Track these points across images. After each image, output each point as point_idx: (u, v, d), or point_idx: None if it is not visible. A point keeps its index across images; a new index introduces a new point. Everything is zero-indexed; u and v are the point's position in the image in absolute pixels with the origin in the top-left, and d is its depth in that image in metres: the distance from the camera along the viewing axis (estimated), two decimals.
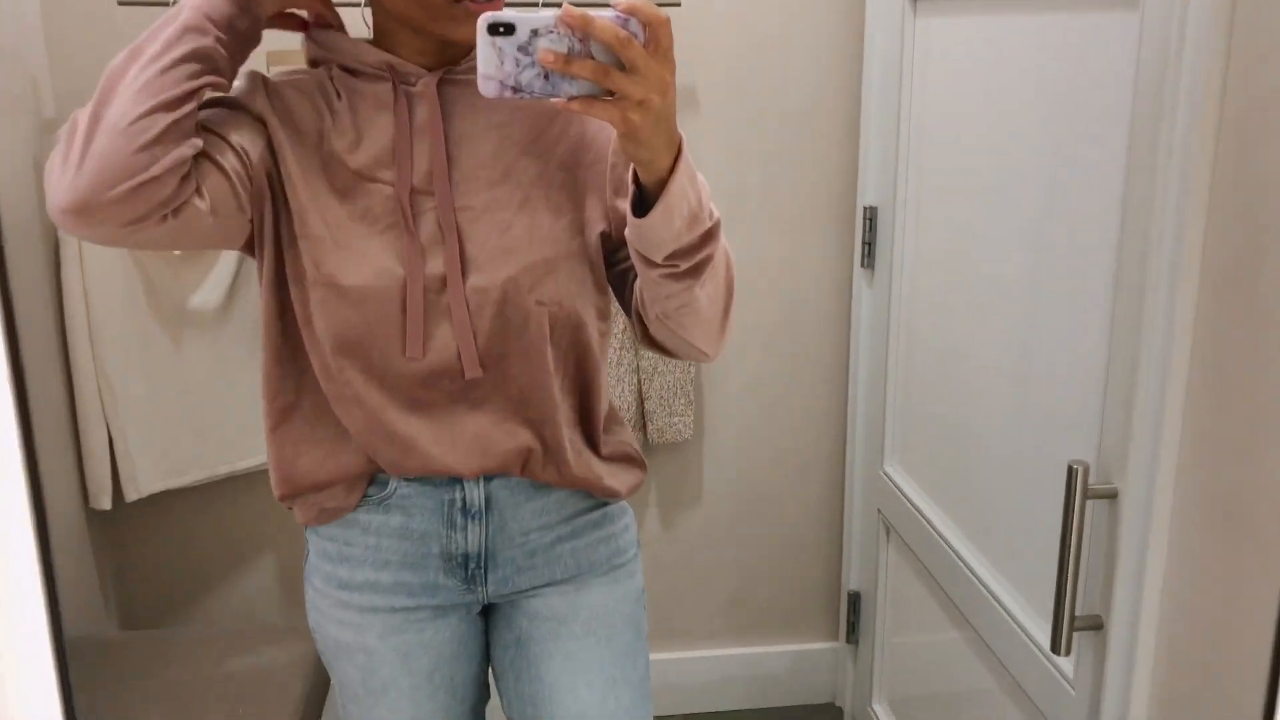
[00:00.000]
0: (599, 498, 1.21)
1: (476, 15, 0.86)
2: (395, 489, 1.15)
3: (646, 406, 2.12)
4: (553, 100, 0.84)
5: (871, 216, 2.02)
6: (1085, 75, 1.30)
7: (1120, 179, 1.21)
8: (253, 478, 2.10)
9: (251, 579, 2.19)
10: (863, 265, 2.08)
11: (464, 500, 1.14)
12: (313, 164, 1.05)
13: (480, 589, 1.18)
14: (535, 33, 0.83)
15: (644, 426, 2.14)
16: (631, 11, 0.83)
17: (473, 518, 1.15)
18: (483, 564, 1.16)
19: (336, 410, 1.11)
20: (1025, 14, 1.44)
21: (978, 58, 1.59)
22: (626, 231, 0.97)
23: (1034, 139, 1.43)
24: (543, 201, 1.07)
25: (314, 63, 1.11)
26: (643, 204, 0.94)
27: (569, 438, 1.14)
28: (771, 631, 2.39)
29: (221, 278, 1.91)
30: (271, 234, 1.05)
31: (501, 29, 0.83)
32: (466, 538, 1.15)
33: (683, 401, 2.12)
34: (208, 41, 0.95)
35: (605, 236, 1.10)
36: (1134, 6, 1.17)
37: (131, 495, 1.96)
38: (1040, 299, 1.42)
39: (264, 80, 1.08)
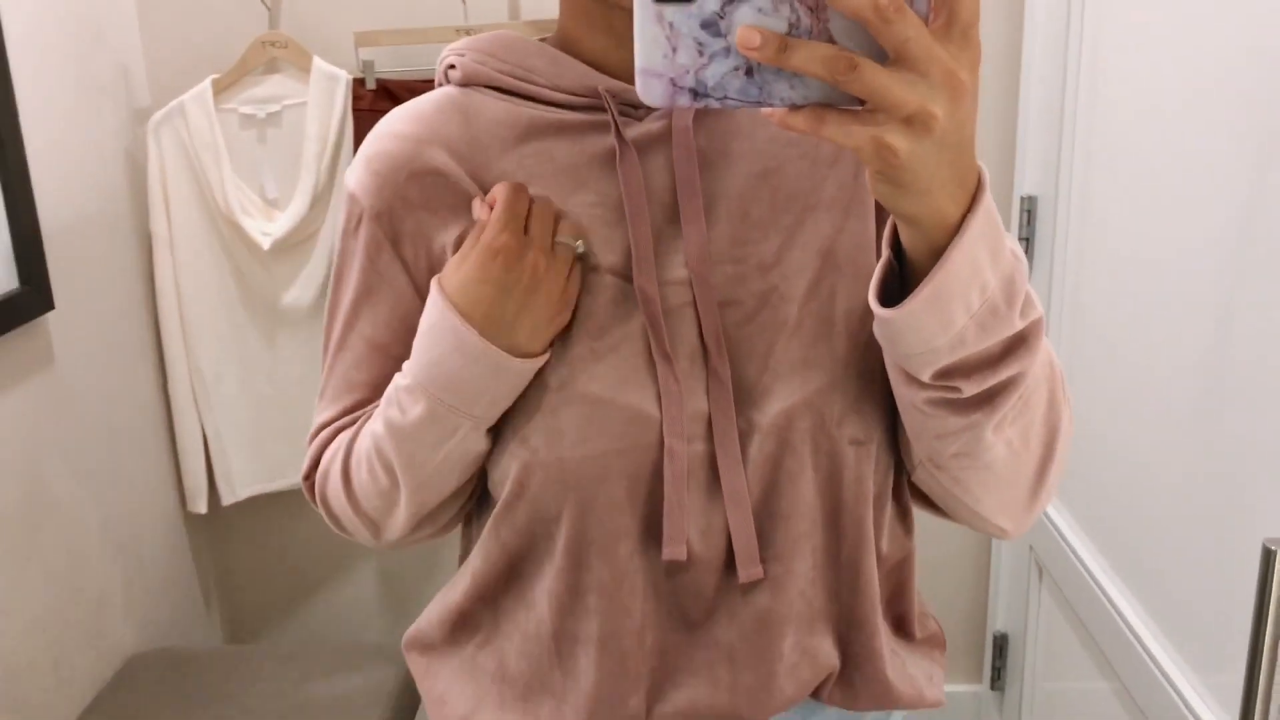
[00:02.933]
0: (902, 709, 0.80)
1: None
2: None
3: None
4: (762, 111, 0.50)
5: (1030, 208, 1.77)
6: None
7: None
8: None
9: (350, 588, 2.11)
10: None
11: None
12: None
13: None
14: None
15: None
16: None
17: None
18: None
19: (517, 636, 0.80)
20: None
21: (1169, 17, 1.32)
22: (875, 325, 0.61)
23: (1241, 116, 1.16)
24: (837, 279, 0.72)
25: (460, 84, 0.77)
26: (903, 283, 0.59)
27: (885, 638, 0.76)
28: None
29: (314, 276, 1.81)
30: None
31: None
32: None
33: None
34: None
35: None
36: None
37: (228, 498, 1.90)
38: (1244, 319, 1.15)
39: (376, 219, 0.75)
